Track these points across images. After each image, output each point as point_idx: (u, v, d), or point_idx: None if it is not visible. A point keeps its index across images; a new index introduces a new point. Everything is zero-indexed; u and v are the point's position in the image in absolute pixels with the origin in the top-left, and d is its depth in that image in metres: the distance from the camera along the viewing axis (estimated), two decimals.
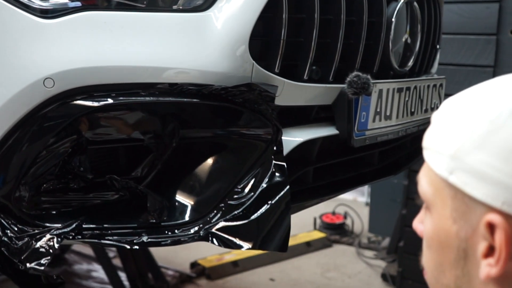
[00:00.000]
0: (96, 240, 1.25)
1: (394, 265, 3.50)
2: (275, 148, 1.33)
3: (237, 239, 1.28)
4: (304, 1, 1.38)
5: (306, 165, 1.51)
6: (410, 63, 1.74)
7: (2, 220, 1.22)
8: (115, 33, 1.21)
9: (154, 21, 1.24)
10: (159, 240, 1.27)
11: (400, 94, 1.62)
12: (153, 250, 3.42)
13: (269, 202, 1.30)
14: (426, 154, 0.76)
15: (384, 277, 3.48)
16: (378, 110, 1.54)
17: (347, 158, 1.62)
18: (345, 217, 4.29)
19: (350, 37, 1.51)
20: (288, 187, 1.30)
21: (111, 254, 3.41)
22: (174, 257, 3.74)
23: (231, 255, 3.72)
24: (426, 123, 1.88)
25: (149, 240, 1.26)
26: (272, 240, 1.29)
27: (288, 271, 3.65)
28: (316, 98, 1.48)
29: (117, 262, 3.29)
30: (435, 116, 0.77)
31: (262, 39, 1.34)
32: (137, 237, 1.25)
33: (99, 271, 3.50)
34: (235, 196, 1.31)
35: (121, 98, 1.20)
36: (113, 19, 1.21)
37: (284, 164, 1.31)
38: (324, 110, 1.56)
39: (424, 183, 0.76)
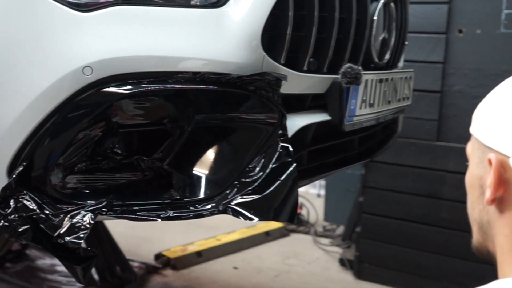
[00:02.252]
0: (127, 215, 1.36)
1: (350, 250, 3.70)
2: (280, 131, 1.48)
3: (252, 212, 1.41)
4: (306, 0, 1.54)
5: (303, 148, 1.67)
6: (387, 57, 1.93)
7: (38, 199, 1.32)
8: (145, 26, 1.33)
9: (178, 15, 1.36)
10: (183, 214, 1.39)
11: (381, 84, 1.80)
12: (116, 240, 3.48)
13: (278, 179, 1.44)
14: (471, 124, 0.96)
15: (341, 262, 3.67)
16: (364, 98, 1.72)
17: (336, 142, 1.79)
18: (300, 207, 4.47)
19: (341, 33, 1.67)
20: (294, 165, 1.44)
21: None
22: (137, 250, 3.81)
23: (194, 246, 3.82)
24: (398, 111, 2.08)
25: (174, 214, 1.38)
26: (282, 213, 1.44)
27: (250, 260, 3.78)
28: (311, 87, 1.63)
29: None
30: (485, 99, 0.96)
31: (271, 33, 1.48)
32: (163, 212, 1.38)
33: (62, 265, 3.53)
34: (248, 175, 1.44)
35: (150, 85, 1.32)
36: (143, 13, 1.33)
37: (289, 145, 1.46)
38: (316, 99, 1.72)
39: (469, 144, 0.96)
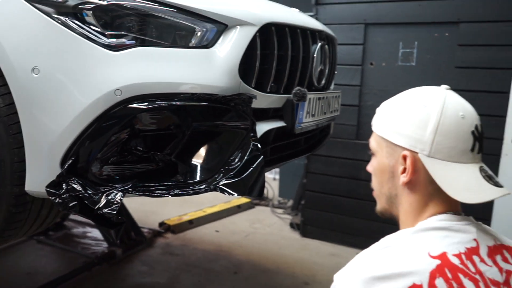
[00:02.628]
0: (147, 193, 1.38)
1: (297, 217, 3.76)
2: (252, 134, 1.52)
3: (233, 190, 1.44)
4: (268, 42, 1.58)
5: (267, 145, 1.71)
6: (323, 82, 1.99)
7: (83, 183, 1.33)
8: (156, 61, 1.35)
9: (180, 53, 1.39)
10: (185, 192, 1.42)
11: (319, 101, 1.86)
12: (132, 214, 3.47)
13: (251, 167, 1.47)
14: (373, 127, 0.97)
15: (291, 225, 3.74)
16: (308, 110, 1.77)
17: (289, 141, 1.84)
18: None
19: (292, 66, 1.73)
20: (262, 157, 1.49)
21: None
22: (147, 219, 3.79)
23: (187, 216, 3.83)
24: (331, 119, 2.15)
25: (179, 192, 1.40)
26: (254, 190, 1.48)
27: (228, 225, 3.81)
28: (273, 103, 1.67)
29: None
30: (379, 109, 0.98)
31: (245, 66, 1.51)
32: (172, 191, 1.40)
33: (92, 232, 3.49)
34: (230, 164, 1.47)
35: (161, 102, 1.34)
36: (155, 52, 1.36)
37: (258, 143, 1.51)
38: (276, 111, 1.76)
39: (373, 141, 0.98)
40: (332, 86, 2.27)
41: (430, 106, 0.87)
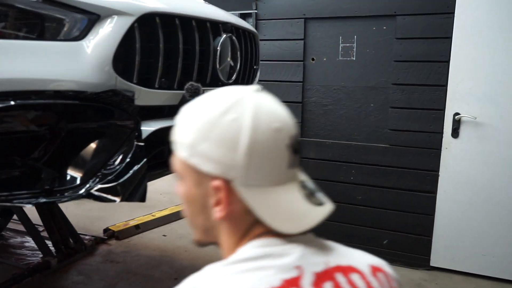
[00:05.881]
0: (8, 203, 1.23)
1: None
2: (136, 134, 1.38)
3: (110, 195, 1.31)
4: (153, 35, 1.45)
5: (162, 145, 1.58)
6: (234, 77, 1.86)
7: None
8: (17, 55, 1.20)
9: (44, 47, 1.25)
10: (53, 199, 1.28)
11: None
12: (74, 220, 3.30)
13: (132, 170, 1.35)
14: (173, 145, 0.77)
15: None
16: None
17: None
18: None
19: (187, 60, 1.60)
20: (145, 160, 1.36)
21: (40, 229, 3.24)
22: (91, 226, 3.62)
23: (134, 221, 3.68)
24: None
25: (45, 200, 1.27)
26: (135, 195, 1.35)
27: (176, 229, 3.66)
28: (167, 100, 1.55)
29: (44, 234, 3.14)
30: (177, 119, 0.77)
31: (125, 60, 1.39)
32: (35, 199, 1.26)
33: (30, 242, 3.31)
34: (108, 167, 1.34)
35: (18, 101, 1.20)
36: (14, 45, 1.21)
37: (143, 144, 1.38)
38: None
39: (176, 163, 0.77)
40: (255, 82, 2.15)
41: (239, 119, 0.69)
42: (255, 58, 2.06)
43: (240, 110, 0.70)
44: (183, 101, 1.57)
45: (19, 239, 3.36)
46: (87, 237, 3.34)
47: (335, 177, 3.11)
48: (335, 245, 0.77)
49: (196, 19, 1.57)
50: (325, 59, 3.07)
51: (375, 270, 0.75)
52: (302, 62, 3.12)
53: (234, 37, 1.79)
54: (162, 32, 1.43)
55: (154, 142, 1.52)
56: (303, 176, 0.77)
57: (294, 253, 0.70)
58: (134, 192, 1.34)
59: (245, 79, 1.99)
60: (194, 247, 3.30)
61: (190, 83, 1.51)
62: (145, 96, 1.42)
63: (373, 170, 3.01)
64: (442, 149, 2.81)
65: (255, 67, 2.07)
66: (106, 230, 3.47)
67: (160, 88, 1.50)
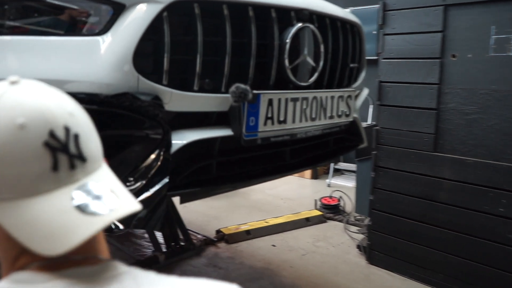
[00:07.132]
0: None
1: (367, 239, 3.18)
2: (164, 146, 1.15)
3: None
4: (190, 26, 1.19)
5: (207, 159, 1.31)
6: (314, 77, 1.49)
7: None
8: (26, 53, 1.09)
9: (54, 43, 1.11)
10: None
11: (295, 103, 1.38)
12: (192, 217, 3.30)
13: (148, 191, 1.12)
14: None
15: (359, 247, 3.16)
16: (270, 115, 1.32)
17: (247, 155, 1.40)
18: (339, 200, 3.96)
19: (243, 56, 1.30)
20: (167, 179, 1.12)
21: None
22: (207, 226, 3.60)
23: (246, 226, 3.53)
24: (332, 127, 1.62)
25: None
26: (149, 223, 1.12)
27: (288, 240, 3.40)
28: (211, 105, 1.28)
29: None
30: None
31: (152, 57, 1.17)
32: None
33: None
34: (126, 185, 1.15)
35: None
36: (25, 42, 1.10)
37: (169, 159, 1.14)
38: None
39: None
40: (357, 83, 1.73)
41: None
42: (355, 55, 1.64)
43: None
44: (233, 107, 1.28)
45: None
46: (199, 237, 3.31)
47: (478, 206, 2.41)
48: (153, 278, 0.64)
49: (253, 5, 1.25)
50: (470, 55, 2.41)
51: None
52: (439, 60, 2.51)
53: (314, 28, 1.42)
54: (200, 23, 1.16)
55: (197, 155, 1.27)
56: (98, 176, 0.61)
57: None
58: (148, 218, 1.10)
59: (334, 80, 1.60)
60: (301, 264, 3.00)
61: (236, 85, 1.22)
62: (179, 101, 1.18)
63: None
64: None
65: (351, 65, 1.65)
66: (218, 232, 3.41)
67: (201, 91, 1.23)
